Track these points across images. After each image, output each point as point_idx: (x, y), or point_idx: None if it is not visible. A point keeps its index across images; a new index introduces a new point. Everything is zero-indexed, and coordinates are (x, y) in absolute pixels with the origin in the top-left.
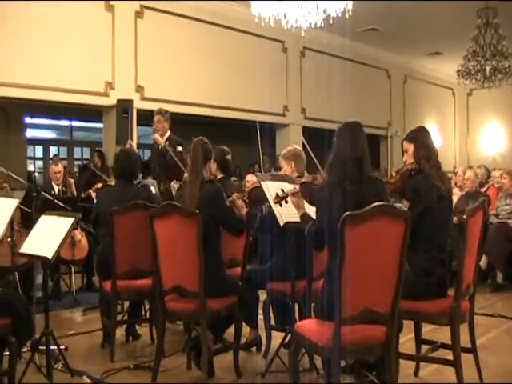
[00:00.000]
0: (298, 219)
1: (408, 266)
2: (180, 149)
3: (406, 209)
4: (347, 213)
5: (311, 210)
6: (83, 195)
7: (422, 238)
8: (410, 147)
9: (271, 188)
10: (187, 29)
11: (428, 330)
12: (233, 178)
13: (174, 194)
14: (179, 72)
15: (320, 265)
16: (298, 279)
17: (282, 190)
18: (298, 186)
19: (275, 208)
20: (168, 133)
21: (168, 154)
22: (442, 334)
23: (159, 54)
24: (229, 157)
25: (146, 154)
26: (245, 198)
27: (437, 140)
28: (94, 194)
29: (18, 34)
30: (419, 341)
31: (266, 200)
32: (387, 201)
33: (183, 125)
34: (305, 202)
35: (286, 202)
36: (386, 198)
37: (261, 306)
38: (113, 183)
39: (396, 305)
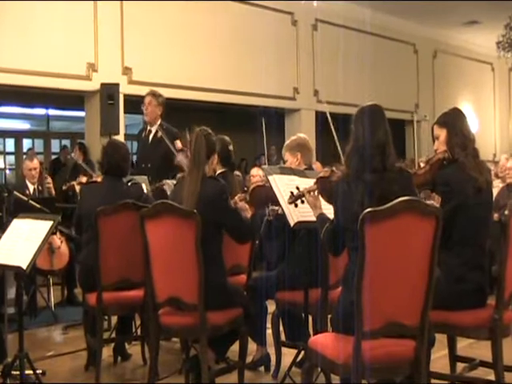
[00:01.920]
0: (312, 218)
1: (439, 271)
2: (179, 144)
3: (437, 205)
4: (368, 209)
5: (330, 212)
6: (64, 187)
7: (455, 239)
8: (441, 133)
9: (280, 182)
10: (181, 2)
11: (464, 346)
12: (235, 172)
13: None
14: (172, 51)
15: (337, 270)
16: (312, 287)
17: (298, 188)
18: (313, 183)
19: (285, 205)
20: (159, 121)
21: (161, 146)
22: (481, 350)
23: (149, 31)
24: (231, 147)
25: (136, 147)
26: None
27: (473, 124)
28: (77, 188)
29: None
30: (454, 358)
31: (272, 199)
32: (415, 195)
33: (178, 112)
34: (322, 200)
35: (303, 201)
36: (413, 191)
37: (269, 318)
38: (99, 179)
39: (426, 316)
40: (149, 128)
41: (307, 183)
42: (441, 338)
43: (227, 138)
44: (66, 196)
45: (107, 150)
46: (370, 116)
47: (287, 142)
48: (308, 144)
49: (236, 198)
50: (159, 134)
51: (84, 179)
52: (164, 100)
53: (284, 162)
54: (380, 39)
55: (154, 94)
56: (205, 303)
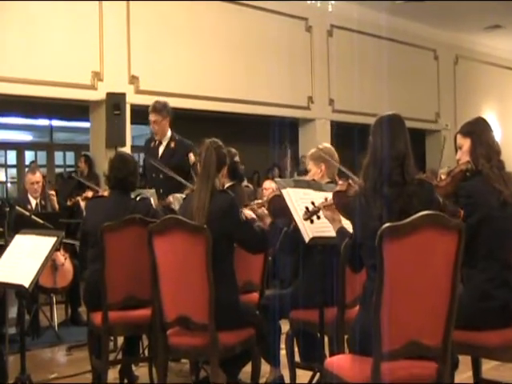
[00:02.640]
0: (328, 233)
1: (463, 289)
2: (192, 158)
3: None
4: (386, 225)
5: (349, 226)
6: (69, 203)
7: (479, 254)
8: (465, 143)
9: (294, 197)
10: (190, 6)
11: (489, 368)
12: (244, 183)
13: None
14: (181, 59)
15: (354, 288)
16: (328, 306)
17: (313, 204)
18: (330, 197)
19: (299, 220)
20: (168, 133)
21: (173, 158)
22: (507, 373)
23: (157, 38)
24: (237, 158)
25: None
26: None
27: (497, 133)
28: (82, 204)
29: None
30: (478, 381)
31: (288, 212)
32: (438, 209)
33: (187, 122)
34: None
35: (318, 217)
36: (436, 204)
37: (283, 339)
38: (105, 193)
39: (448, 336)
40: (158, 139)
41: (323, 197)
42: (464, 360)
43: (233, 150)
44: (71, 211)
45: (114, 164)
46: (389, 126)
47: (312, 151)
48: (334, 156)
49: (255, 203)
50: (172, 145)
51: (90, 194)
52: (170, 109)
53: (305, 173)
54: (398, 45)
55: (158, 111)
56: (216, 323)
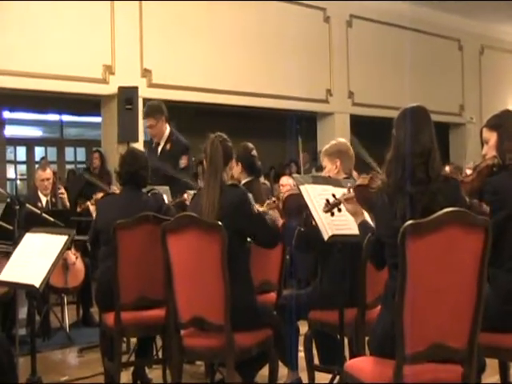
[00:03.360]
0: (348, 231)
1: (489, 289)
2: (184, 160)
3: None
4: (409, 222)
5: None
6: (78, 209)
7: (506, 253)
8: (491, 137)
9: (313, 193)
10: None
11: None
12: (262, 180)
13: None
14: (195, 51)
15: (375, 288)
16: (348, 306)
17: (334, 196)
18: (351, 190)
19: (318, 217)
20: (167, 130)
21: (170, 160)
22: None
23: (170, 30)
24: (254, 153)
25: None
26: (279, 207)
27: None
28: (92, 208)
29: None
30: None
31: (306, 209)
32: (464, 206)
33: (201, 116)
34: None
35: (340, 210)
36: (462, 201)
37: (301, 340)
38: (117, 191)
39: (474, 339)
40: (157, 141)
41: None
42: (491, 363)
43: (250, 144)
44: (82, 211)
45: (125, 159)
46: (414, 119)
47: (326, 146)
48: (349, 150)
49: (265, 205)
50: (167, 146)
51: (100, 196)
52: (164, 109)
53: (322, 169)
54: (420, 35)
55: (152, 115)
56: (232, 324)
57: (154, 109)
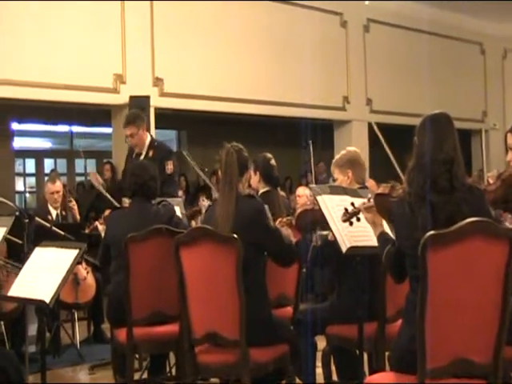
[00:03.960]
0: (367, 243)
1: None
2: (170, 166)
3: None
4: (430, 232)
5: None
6: (87, 230)
7: None
8: None
9: (330, 204)
10: (216, 4)
11: None
12: (280, 192)
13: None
14: (208, 59)
15: (396, 301)
16: (368, 321)
17: (353, 204)
18: (371, 199)
19: (336, 228)
20: (148, 138)
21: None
22: None
23: (182, 38)
24: (273, 162)
25: None
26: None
27: None
28: (101, 227)
29: (1, 20)
30: None
31: (321, 224)
32: (489, 216)
33: (213, 126)
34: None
35: (359, 219)
36: (487, 212)
37: (319, 356)
38: (126, 205)
39: (499, 353)
40: (138, 151)
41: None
42: None
43: (268, 154)
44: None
45: (133, 171)
46: (436, 126)
47: (336, 157)
48: (360, 159)
49: (278, 222)
50: (150, 153)
51: (107, 212)
52: (144, 118)
53: (334, 181)
54: (441, 39)
55: (132, 123)
56: (247, 339)
57: (135, 116)
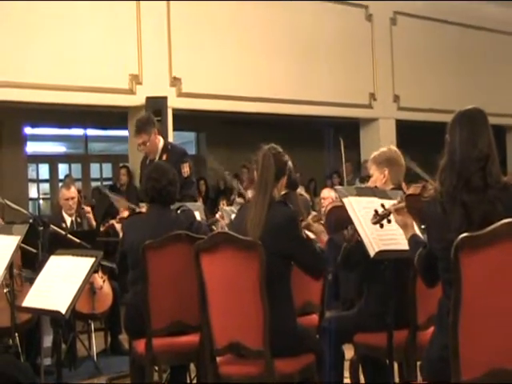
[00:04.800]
0: (396, 246)
1: None
2: (186, 169)
3: None
4: (464, 234)
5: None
6: (102, 228)
7: None
8: None
9: (357, 206)
10: (235, 1)
11: None
12: (299, 191)
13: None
14: (227, 58)
15: (428, 307)
16: (398, 328)
17: (383, 206)
18: (402, 200)
19: (363, 232)
20: (161, 143)
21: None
22: None
23: (200, 36)
24: (290, 164)
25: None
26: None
27: None
28: (118, 226)
29: (14, 20)
30: None
31: (350, 222)
32: None
33: (235, 127)
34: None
35: (389, 221)
36: None
37: (346, 366)
38: (143, 210)
39: None
40: (152, 158)
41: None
42: None
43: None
44: (106, 230)
45: (151, 175)
46: (470, 122)
47: (375, 154)
48: (400, 160)
49: (309, 218)
50: (163, 157)
51: (126, 214)
52: (154, 121)
53: (367, 179)
54: (472, 30)
55: (142, 131)
56: (271, 349)
57: (144, 123)
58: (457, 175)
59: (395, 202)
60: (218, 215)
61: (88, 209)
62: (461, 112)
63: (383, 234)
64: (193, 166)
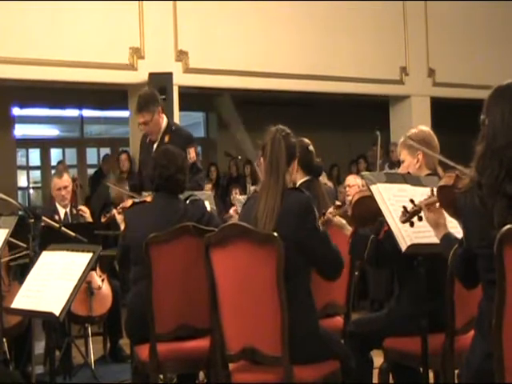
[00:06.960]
0: (431, 239)
1: None
2: (193, 154)
3: None
4: (507, 226)
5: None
6: (103, 220)
7: None
8: None
9: (386, 194)
10: None
11: None
12: (322, 180)
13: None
14: (239, 29)
15: (467, 309)
16: (433, 332)
17: (412, 201)
18: (434, 193)
19: (394, 224)
20: (164, 122)
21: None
22: None
23: (208, 4)
24: (311, 148)
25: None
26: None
27: None
28: (119, 217)
29: None
30: None
31: (379, 214)
32: None
33: (247, 106)
34: (446, 216)
35: (420, 218)
36: None
37: (375, 374)
38: (148, 199)
39: None
40: (154, 139)
41: (424, 194)
42: None
43: (305, 139)
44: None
45: (158, 161)
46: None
47: (406, 136)
48: (434, 141)
49: (331, 210)
50: (165, 139)
51: (128, 203)
52: (159, 98)
53: (396, 165)
54: None
55: (144, 109)
56: (290, 355)
57: (147, 99)
58: (498, 162)
59: (426, 196)
60: (231, 211)
61: (85, 209)
62: (501, 87)
63: (417, 225)
64: (198, 151)
